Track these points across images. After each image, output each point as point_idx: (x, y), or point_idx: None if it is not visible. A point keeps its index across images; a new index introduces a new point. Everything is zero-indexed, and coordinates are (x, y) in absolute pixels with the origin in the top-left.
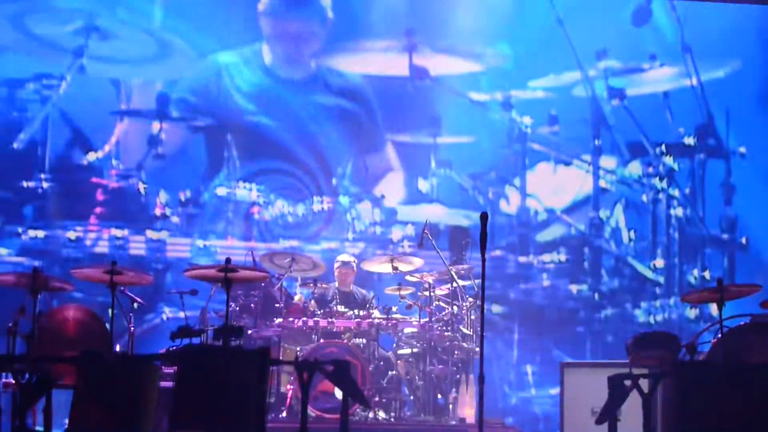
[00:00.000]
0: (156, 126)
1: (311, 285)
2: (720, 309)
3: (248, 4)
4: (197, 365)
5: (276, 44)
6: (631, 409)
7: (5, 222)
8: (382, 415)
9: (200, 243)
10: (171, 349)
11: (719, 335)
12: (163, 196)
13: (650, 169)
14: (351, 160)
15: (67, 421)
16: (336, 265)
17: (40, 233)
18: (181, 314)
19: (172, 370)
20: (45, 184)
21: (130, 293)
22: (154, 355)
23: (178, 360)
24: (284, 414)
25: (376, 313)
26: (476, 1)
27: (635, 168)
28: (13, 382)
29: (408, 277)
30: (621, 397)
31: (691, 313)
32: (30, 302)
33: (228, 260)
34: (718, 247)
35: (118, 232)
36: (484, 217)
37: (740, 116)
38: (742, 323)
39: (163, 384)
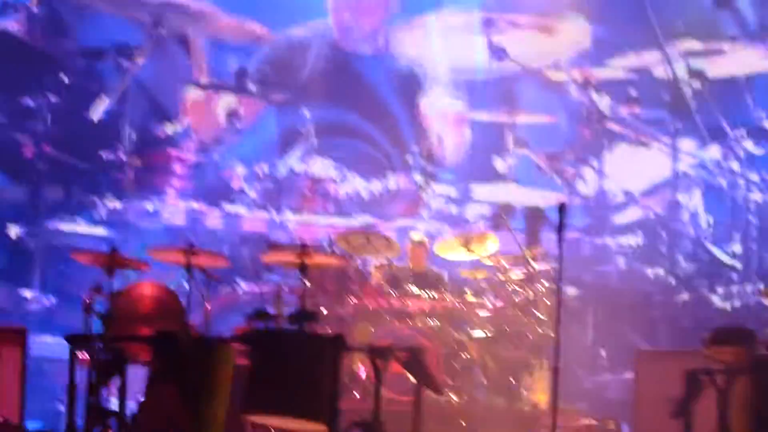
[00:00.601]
0: (233, 100)
1: (385, 266)
2: None
3: None
4: (272, 350)
5: (339, 13)
6: (707, 404)
7: (83, 192)
8: (454, 397)
9: (276, 218)
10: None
11: None
12: (240, 170)
13: (730, 153)
14: (426, 138)
15: (141, 397)
16: (408, 245)
17: (117, 204)
18: (256, 289)
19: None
20: (123, 156)
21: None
22: (229, 337)
23: (253, 344)
24: (357, 395)
25: (449, 296)
26: None
27: (715, 151)
28: (89, 359)
29: (483, 260)
30: (697, 392)
31: None
32: (106, 281)
33: (304, 245)
34: None
35: (194, 205)
36: (562, 207)
37: None
38: None
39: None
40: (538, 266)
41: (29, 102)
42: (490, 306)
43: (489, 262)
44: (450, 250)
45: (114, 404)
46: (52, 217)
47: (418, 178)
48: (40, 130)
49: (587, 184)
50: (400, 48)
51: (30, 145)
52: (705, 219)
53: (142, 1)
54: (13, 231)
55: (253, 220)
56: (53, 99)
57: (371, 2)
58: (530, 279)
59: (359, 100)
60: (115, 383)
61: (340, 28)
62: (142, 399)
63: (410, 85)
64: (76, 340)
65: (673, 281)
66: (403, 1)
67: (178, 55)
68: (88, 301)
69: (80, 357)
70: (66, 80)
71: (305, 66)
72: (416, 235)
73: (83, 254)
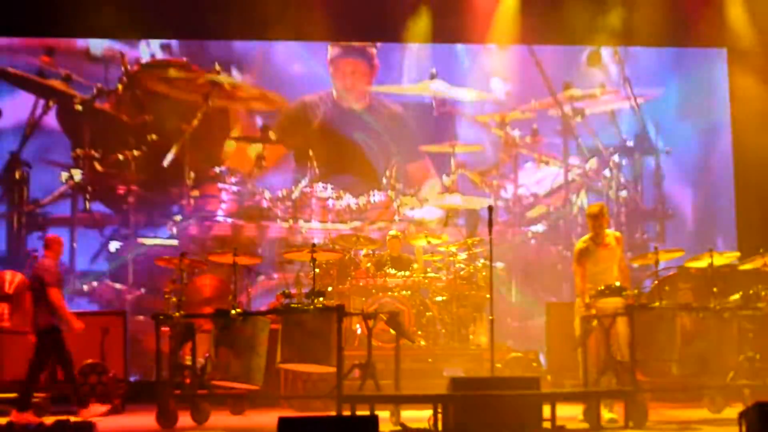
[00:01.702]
0: (260, 146)
1: (371, 255)
2: (656, 266)
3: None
4: (295, 318)
5: (338, 80)
6: (596, 338)
7: (160, 216)
8: (423, 343)
9: (293, 226)
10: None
11: (656, 282)
12: (266, 194)
13: (603, 165)
14: (395, 165)
15: (206, 356)
16: (388, 238)
17: (184, 223)
18: (279, 276)
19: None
20: (185, 189)
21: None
22: (266, 311)
23: (282, 315)
24: (356, 344)
25: (416, 273)
26: (479, 51)
27: (593, 164)
28: (169, 330)
29: (438, 247)
30: (589, 331)
31: (636, 262)
32: (178, 276)
33: (313, 245)
34: (652, 217)
35: (237, 221)
36: (490, 208)
37: (665, 126)
38: (671, 273)
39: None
40: (476, 250)
41: (120, 157)
42: (444, 279)
43: (442, 249)
44: (416, 241)
45: (188, 361)
46: (139, 234)
47: (390, 193)
48: (128, 176)
49: (507, 191)
50: (379, 106)
51: (122, 186)
52: None
53: (194, 84)
54: (113, 246)
55: (277, 229)
56: (136, 153)
57: (361, 73)
58: (471, 259)
59: (350, 141)
60: (188, 347)
61: (339, 91)
62: (208, 356)
63: (385, 127)
64: (160, 318)
65: (569, 254)
66: (381, 73)
67: (220, 117)
68: (166, 290)
69: (163, 330)
70: (144, 140)
71: (314, 119)
72: (393, 232)
73: (162, 259)
